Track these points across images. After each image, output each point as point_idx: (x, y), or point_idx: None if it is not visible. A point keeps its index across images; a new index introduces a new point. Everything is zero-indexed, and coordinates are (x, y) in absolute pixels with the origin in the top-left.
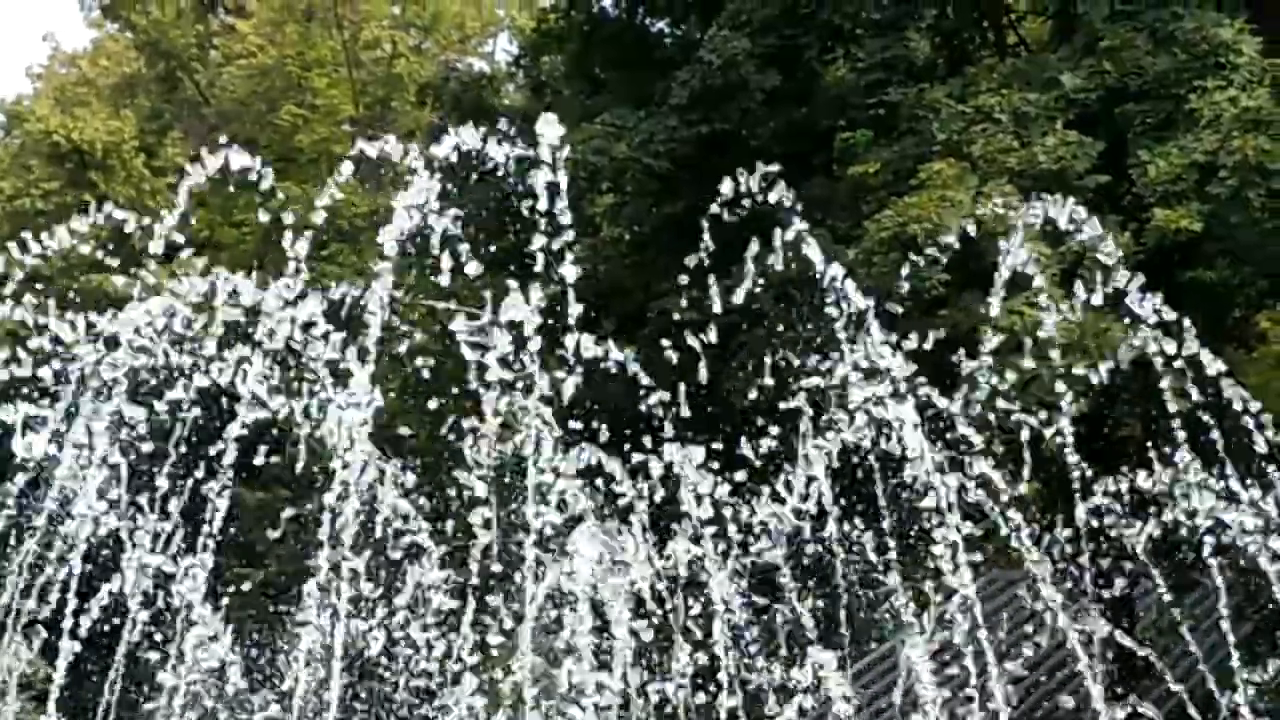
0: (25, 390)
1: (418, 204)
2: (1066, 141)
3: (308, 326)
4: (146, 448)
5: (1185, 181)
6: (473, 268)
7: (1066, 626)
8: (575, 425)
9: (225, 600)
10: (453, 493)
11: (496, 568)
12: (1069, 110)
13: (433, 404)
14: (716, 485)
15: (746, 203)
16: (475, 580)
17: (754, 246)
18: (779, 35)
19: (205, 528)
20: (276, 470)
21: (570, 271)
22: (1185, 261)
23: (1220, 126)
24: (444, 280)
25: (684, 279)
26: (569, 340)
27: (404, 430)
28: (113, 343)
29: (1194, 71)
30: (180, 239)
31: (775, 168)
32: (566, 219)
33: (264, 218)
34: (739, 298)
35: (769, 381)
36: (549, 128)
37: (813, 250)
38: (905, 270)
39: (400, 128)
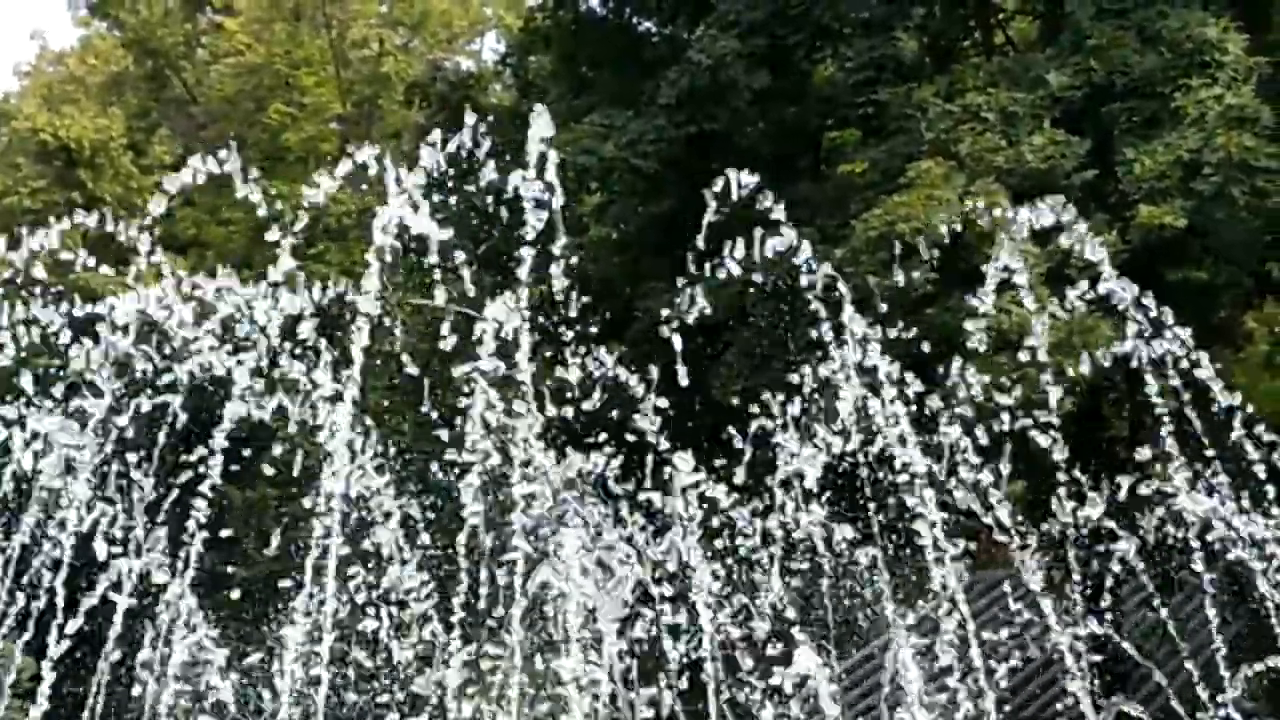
0: (10, 389)
1: (406, 206)
2: (1054, 140)
3: (295, 325)
4: (133, 448)
5: (1170, 179)
6: (461, 267)
7: (1054, 626)
8: (563, 426)
9: (213, 599)
10: (440, 490)
11: (483, 565)
12: (1055, 108)
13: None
14: (706, 487)
15: (733, 202)
16: (463, 578)
17: (739, 249)
18: (768, 35)
19: (192, 527)
20: (264, 469)
21: (560, 273)
22: (1172, 260)
23: (1205, 124)
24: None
25: (674, 279)
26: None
27: (391, 427)
28: (98, 340)
29: (1180, 70)
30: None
31: (756, 178)
32: (557, 220)
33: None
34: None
35: (756, 381)
36: (540, 123)
37: (800, 251)
38: (893, 269)
39: (387, 126)
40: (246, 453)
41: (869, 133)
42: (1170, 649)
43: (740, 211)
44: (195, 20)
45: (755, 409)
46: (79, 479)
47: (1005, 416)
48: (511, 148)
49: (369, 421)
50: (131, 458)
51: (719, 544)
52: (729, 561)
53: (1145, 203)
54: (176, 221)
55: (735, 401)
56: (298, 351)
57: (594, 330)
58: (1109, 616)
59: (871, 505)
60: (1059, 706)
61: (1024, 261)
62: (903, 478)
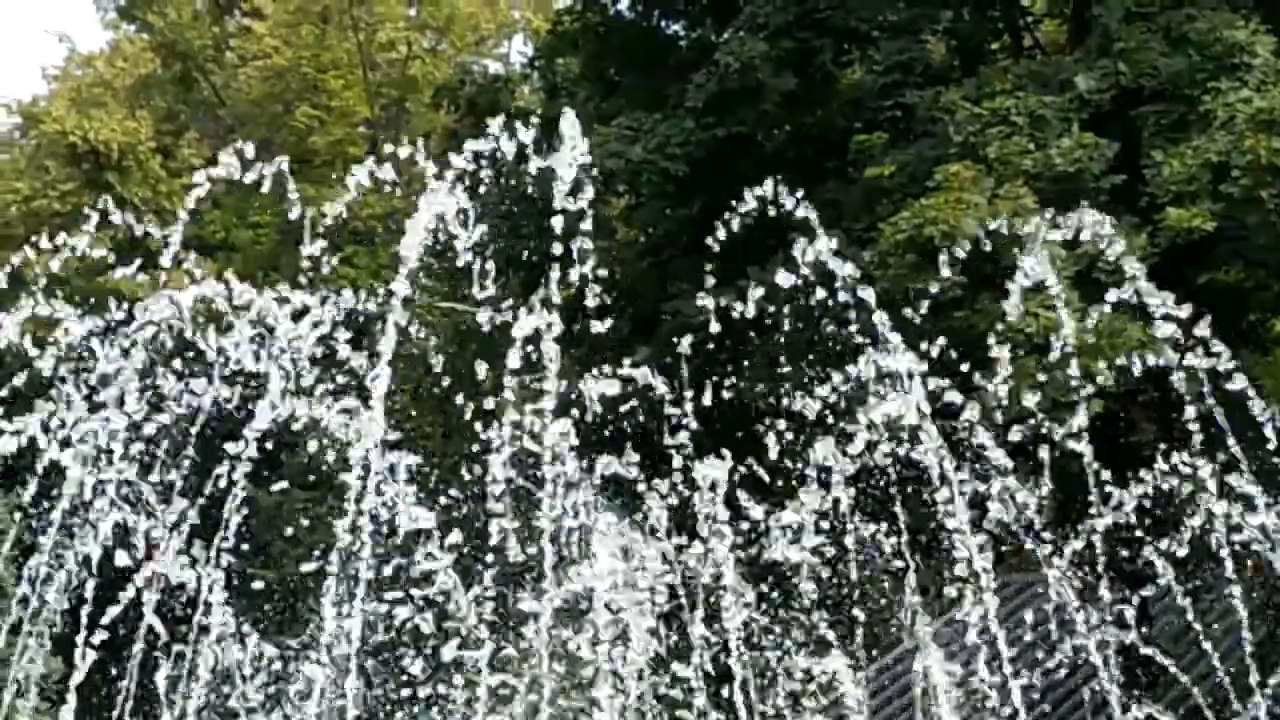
0: (42, 391)
1: (438, 214)
2: (1082, 143)
3: (323, 334)
4: (162, 449)
5: (1199, 182)
6: (490, 271)
7: (1083, 630)
8: (591, 428)
9: (242, 600)
10: (468, 494)
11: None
12: (1083, 111)
13: (448, 407)
14: (736, 491)
15: (761, 207)
16: (491, 583)
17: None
18: (795, 39)
19: (221, 529)
20: (292, 472)
21: (588, 276)
22: (1200, 264)
23: (1234, 127)
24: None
25: (702, 281)
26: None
27: (419, 430)
28: (129, 343)
29: (1208, 72)
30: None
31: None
32: (587, 223)
33: (291, 214)
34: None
35: (784, 385)
36: (570, 129)
37: (832, 259)
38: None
39: (415, 129)
40: (274, 456)
41: (897, 135)
42: (1199, 652)
43: (769, 213)
44: (223, 23)
45: (783, 412)
46: (107, 481)
47: (1033, 419)
48: (540, 150)
49: (395, 424)
50: (160, 460)
51: (747, 546)
52: (757, 564)
53: (1174, 206)
54: (204, 225)
55: (762, 405)
56: (326, 355)
57: (622, 333)
58: (1137, 619)
59: (899, 508)
60: (1087, 709)
61: (1053, 265)
62: (931, 480)
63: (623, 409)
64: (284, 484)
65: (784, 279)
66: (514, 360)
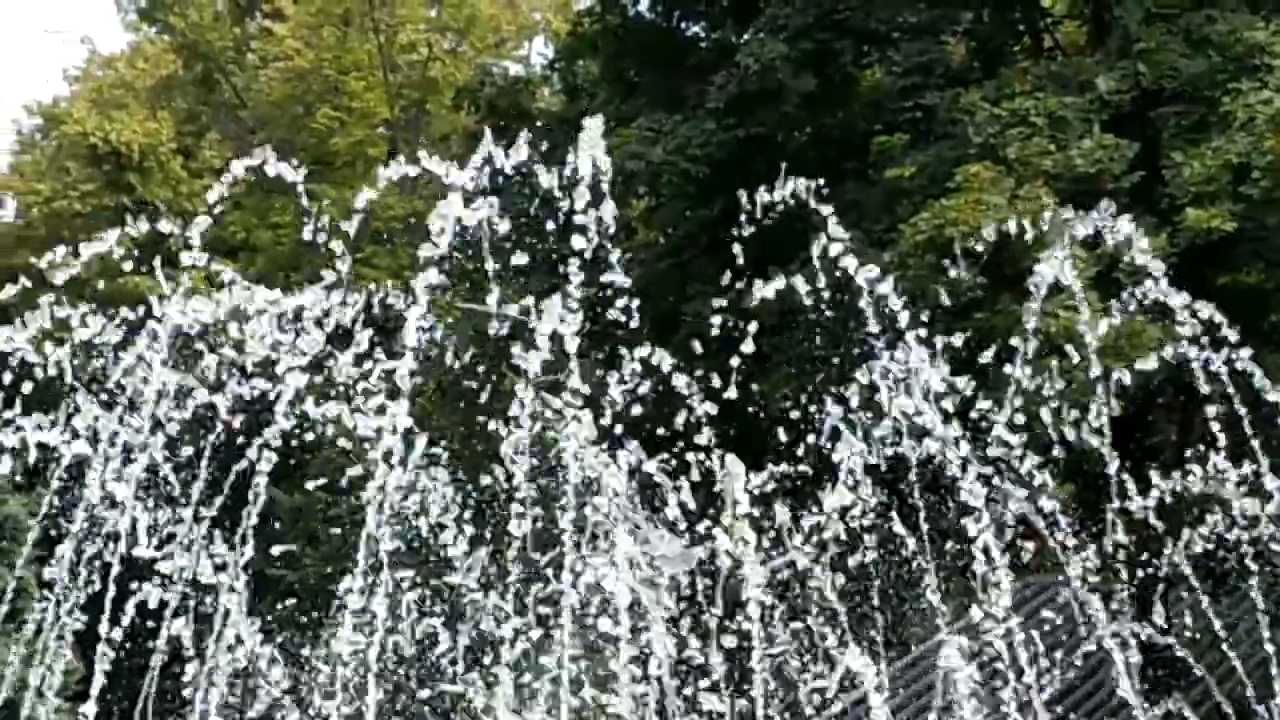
0: (66, 391)
1: (458, 213)
2: (1102, 144)
3: (346, 332)
4: (184, 450)
5: (1218, 182)
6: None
7: (1104, 630)
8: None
9: (261, 602)
10: (489, 491)
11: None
12: (1103, 112)
13: (469, 406)
14: (756, 491)
15: (782, 207)
16: (513, 577)
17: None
18: (815, 40)
19: (242, 530)
20: (313, 473)
21: (609, 278)
22: (1220, 264)
23: (1254, 128)
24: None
25: (722, 282)
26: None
27: (440, 428)
28: (151, 345)
29: (1228, 73)
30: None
31: (805, 182)
32: (609, 222)
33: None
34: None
35: (805, 384)
36: (592, 132)
37: (849, 259)
38: (946, 273)
39: (435, 131)
40: (296, 457)
41: (917, 137)
42: (1220, 652)
43: (790, 214)
44: (244, 25)
45: (804, 412)
46: (129, 482)
47: (1054, 419)
48: (560, 153)
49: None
50: (181, 461)
51: (768, 544)
52: (779, 562)
53: (1194, 206)
54: (225, 226)
55: (784, 404)
56: (348, 355)
57: (642, 333)
58: (1158, 619)
59: (921, 508)
60: (1108, 708)
61: (1072, 265)
62: (951, 480)
63: (644, 393)
64: (305, 484)
65: (804, 280)
66: (535, 358)
